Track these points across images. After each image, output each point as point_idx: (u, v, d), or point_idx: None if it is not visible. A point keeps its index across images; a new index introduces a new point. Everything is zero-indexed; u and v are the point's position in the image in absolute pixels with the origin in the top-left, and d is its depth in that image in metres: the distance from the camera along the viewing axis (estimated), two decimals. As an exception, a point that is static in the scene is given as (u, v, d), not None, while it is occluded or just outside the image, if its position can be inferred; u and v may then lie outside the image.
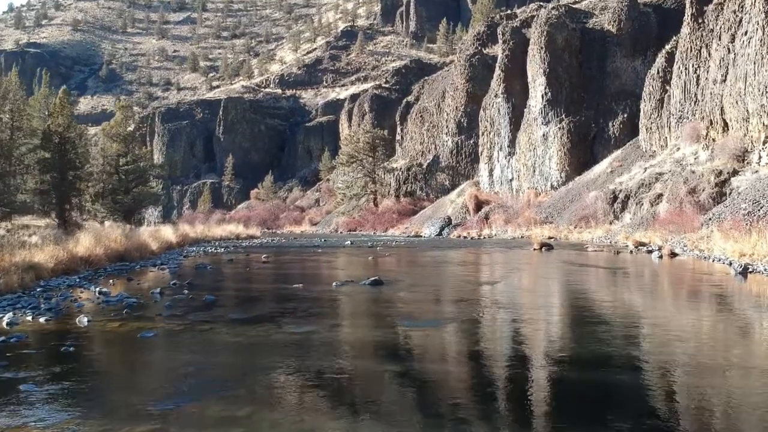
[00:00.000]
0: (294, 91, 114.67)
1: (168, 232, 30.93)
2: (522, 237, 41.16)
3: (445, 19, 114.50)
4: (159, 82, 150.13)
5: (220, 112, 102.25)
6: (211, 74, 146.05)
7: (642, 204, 36.39)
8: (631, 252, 24.59)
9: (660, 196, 35.12)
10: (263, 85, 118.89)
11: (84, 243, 18.86)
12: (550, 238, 38.30)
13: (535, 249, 26.83)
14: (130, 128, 36.55)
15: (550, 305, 11.07)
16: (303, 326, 8.80)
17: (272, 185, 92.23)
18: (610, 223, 37.70)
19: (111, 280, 15.27)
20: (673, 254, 22.07)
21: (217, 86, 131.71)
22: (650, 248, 25.09)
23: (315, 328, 8.58)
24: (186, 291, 13.00)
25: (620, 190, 39.16)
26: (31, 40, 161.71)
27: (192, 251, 28.35)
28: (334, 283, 13.82)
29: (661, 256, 21.59)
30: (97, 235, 20.31)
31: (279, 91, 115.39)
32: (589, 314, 9.85)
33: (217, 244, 36.21)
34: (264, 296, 12.56)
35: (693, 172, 32.96)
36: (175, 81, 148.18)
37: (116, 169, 35.15)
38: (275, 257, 24.73)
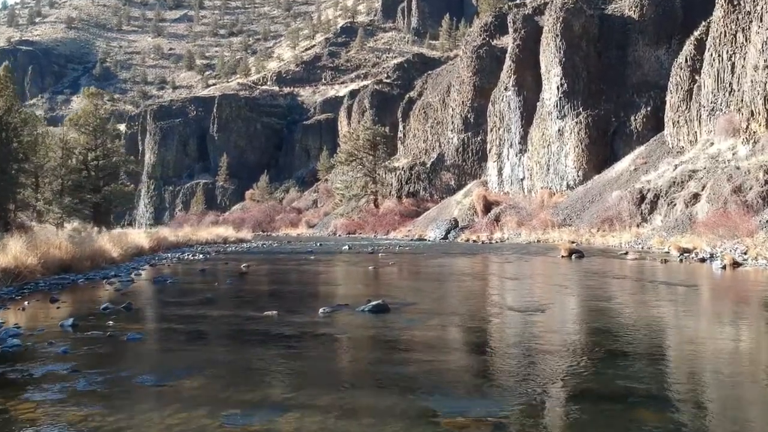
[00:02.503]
0: (292, 88, 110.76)
1: (139, 236, 27.13)
2: (538, 241, 37.35)
3: (447, 15, 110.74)
4: (154, 81, 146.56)
5: (214, 110, 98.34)
6: (207, 72, 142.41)
7: (675, 204, 32.56)
8: (681, 260, 20.75)
9: (696, 195, 31.31)
10: (260, 83, 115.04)
11: (12, 251, 15.02)
12: (571, 242, 34.53)
13: (563, 256, 23.00)
14: (99, 119, 32.47)
15: (656, 355, 7.21)
16: (256, 410, 4.97)
17: (267, 186, 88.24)
18: (638, 226, 33.91)
19: (27, 302, 11.44)
20: (734, 263, 18.25)
21: (213, 84, 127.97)
22: (702, 256, 21.27)
23: (277, 418, 4.75)
24: (111, 322, 9.18)
25: (648, 190, 35.36)
26: (23, 38, 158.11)
27: (165, 258, 24.57)
28: (321, 310, 10.00)
29: (724, 267, 17.76)
30: (32, 241, 16.44)
31: (276, 88, 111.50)
32: (732, 375, 5.99)
33: (199, 249, 32.43)
34: (216, 332, 8.70)
35: (738, 168, 29.12)
36: (171, 79, 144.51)
37: (85, 164, 31.25)
38: (258, 266, 20.89)
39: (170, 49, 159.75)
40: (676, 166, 35.70)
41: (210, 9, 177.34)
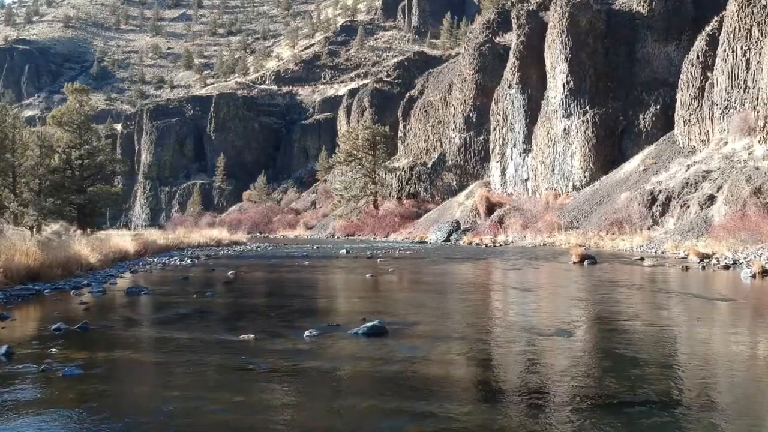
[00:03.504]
0: (290, 87, 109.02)
1: (123, 240, 25.62)
2: (544, 244, 35.83)
3: (449, 14, 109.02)
4: (152, 80, 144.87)
5: (212, 109, 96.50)
6: (205, 72, 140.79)
7: (688, 207, 31.03)
8: (703, 268, 19.19)
9: (712, 197, 29.80)
10: (258, 82, 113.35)
11: (-31, 258, 13.57)
12: (578, 245, 33.04)
13: (574, 262, 21.45)
14: (84, 116, 30.68)
15: (725, 402, 5.71)
16: None
17: (265, 186, 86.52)
18: (649, 229, 32.37)
19: (-30, 320, 9.94)
20: (763, 271, 16.75)
21: (211, 84, 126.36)
22: (725, 263, 19.74)
23: None
24: (55, 349, 7.70)
25: (659, 191, 33.83)
26: (20, 37, 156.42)
27: (149, 264, 23.06)
28: (307, 333, 8.50)
29: (753, 275, 16.25)
30: (-6, 247, 14.95)
31: (275, 87, 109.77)
32: None
33: (189, 252, 30.89)
34: (177, 365, 7.17)
35: (757, 168, 27.61)
36: (169, 79, 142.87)
37: (68, 163, 29.64)
38: (247, 273, 19.37)
39: (168, 48, 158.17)
40: (688, 167, 34.17)
41: (209, 8, 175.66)
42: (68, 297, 13.20)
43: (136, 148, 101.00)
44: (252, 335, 8.44)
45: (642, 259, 23.24)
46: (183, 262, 24.01)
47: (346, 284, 16.88)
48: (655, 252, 27.18)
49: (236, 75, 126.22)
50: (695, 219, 29.32)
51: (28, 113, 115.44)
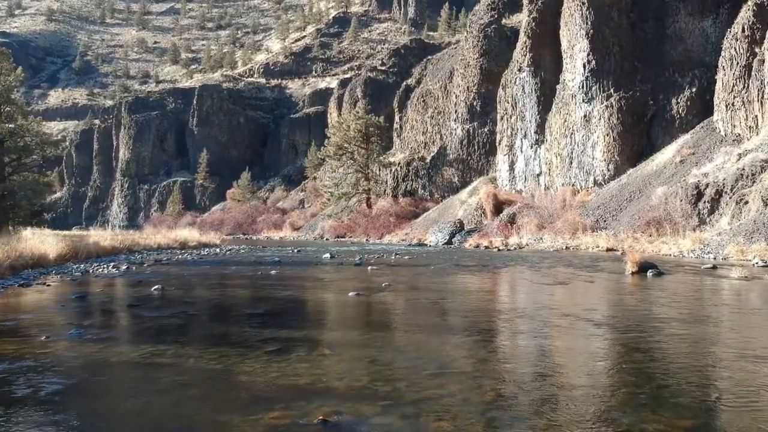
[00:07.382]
0: (279, 80, 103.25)
1: (43, 242, 20.00)
2: (567, 248, 30.34)
3: (447, 4, 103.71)
4: (137, 75, 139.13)
5: (194, 102, 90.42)
6: (192, 66, 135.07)
7: (746, 203, 25.58)
8: (823, 282, 13.65)
9: (778, 191, 24.35)
10: (246, 75, 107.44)
11: None
12: (608, 249, 27.64)
13: (633, 273, 15.87)
14: (2, 87, 24.82)
15: None
16: None
17: (250, 184, 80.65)
18: (695, 229, 26.92)
19: None
20: None
21: (197, 78, 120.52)
22: None
23: None
24: None
25: (705, 185, 28.38)
26: (0, 30, 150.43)
27: (68, 271, 17.50)
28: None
29: None
30: None
31: (263, 80, 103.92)
32: None
33: (139, 256, 25.32)
34: None
35: None
36: (154, 73, 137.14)
37: (-17, 146, 23.94)
38: (178, 289, 13.67)
39: (155, 42, 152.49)
40: (739, 156, 28.73)
41: (197, 1, 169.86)
42: None
43: (114, 143, 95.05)
44: None
45: (714, 267, 17.74)
46: (114, 270, 18.44)
47: (313, 313, 11.23)
48: (715, 258, 21.79)
49: (224, 69, 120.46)
50: (759, 217, 23.84)
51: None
